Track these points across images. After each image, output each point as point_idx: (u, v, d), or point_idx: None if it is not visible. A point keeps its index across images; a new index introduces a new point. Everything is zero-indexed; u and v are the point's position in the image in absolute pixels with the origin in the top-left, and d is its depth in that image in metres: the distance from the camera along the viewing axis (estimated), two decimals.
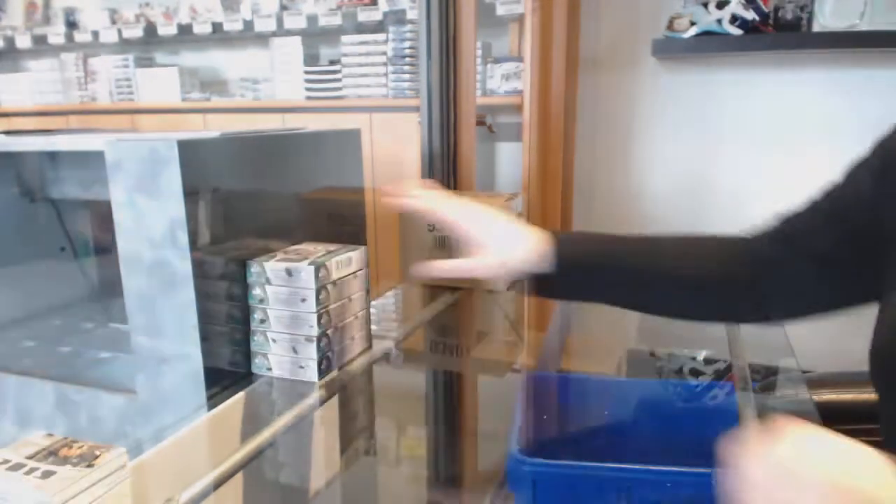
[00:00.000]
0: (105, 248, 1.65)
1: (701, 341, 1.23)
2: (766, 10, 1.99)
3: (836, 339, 2.22)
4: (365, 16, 2.61)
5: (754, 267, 0.73)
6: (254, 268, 1.00)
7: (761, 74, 2.17)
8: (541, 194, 2.16)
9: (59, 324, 1.57)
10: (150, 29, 3.05)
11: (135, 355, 1.06)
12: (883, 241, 0.63)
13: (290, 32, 2.80)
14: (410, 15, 2.51)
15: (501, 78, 2.39)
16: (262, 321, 1.01)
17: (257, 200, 1.12)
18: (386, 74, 2.56)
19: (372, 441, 0.97)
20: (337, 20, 2.68)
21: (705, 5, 2.03)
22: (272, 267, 0.99)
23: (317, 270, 0.97)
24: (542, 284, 0.76)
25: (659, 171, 2.36)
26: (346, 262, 1.05)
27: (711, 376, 1.12)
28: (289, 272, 0.98)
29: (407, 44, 2.51)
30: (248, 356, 1.04)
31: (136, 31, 3.08)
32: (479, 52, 2.34)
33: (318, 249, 1.05)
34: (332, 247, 1.07)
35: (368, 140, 2.45)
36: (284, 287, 0.98)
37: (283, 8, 2.81)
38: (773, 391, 0.99)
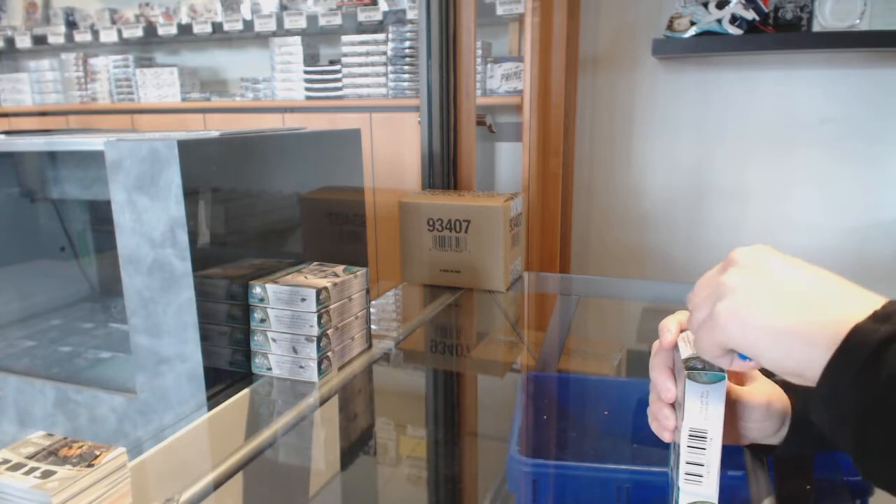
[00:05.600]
0: (105, 248, 1.65)
1: None
2: (766, 10, 1.99)
3: None
4: (365, 16, 2.61)
5: None
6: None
7: (761, 74, 2.17)
8: (541, 194, 2.16)
9: (59, 324, 1.57)
10: (150, 29, 3.06)
11: (135, 355, 1.06)
12: None
13: (290, 32, 2.80)
14: (410, 15, 2.51)
15: (501, 78, 2.40)
16: (262, 320, 1.01)
17: (257, 200, 1.12)
18: (386, 74, 2.56)
19: (372, 441, 0.97)
20: (337, 20, 2.68)
21: (705, 5, 2.03)
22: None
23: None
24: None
25: (659, 170, 2.36)
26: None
27: None
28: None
29: (407, 44, 2.51)
30: (247, 356, 1.04)
31: (136, 31, 3.08)
32: (479, 52, 2.34)
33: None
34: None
35: (368, 140, 2.45)
36: (285, 286, 0.98)
37: (283, 8, 2.82)
38: None
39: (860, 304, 0.44)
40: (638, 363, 1.19)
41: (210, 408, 0.95)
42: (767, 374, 0.65)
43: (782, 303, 0.47)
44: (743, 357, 0.52)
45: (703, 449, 0.54)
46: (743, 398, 0.61)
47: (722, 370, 0.54)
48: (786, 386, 0.64)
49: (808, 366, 0.45)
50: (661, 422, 0.59)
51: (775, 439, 0.63)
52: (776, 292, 0.47)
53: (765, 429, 0.62)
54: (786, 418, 0.62)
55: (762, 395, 0.61)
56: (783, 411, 0.62)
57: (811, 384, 0.46)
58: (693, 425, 0.54)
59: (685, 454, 0.55)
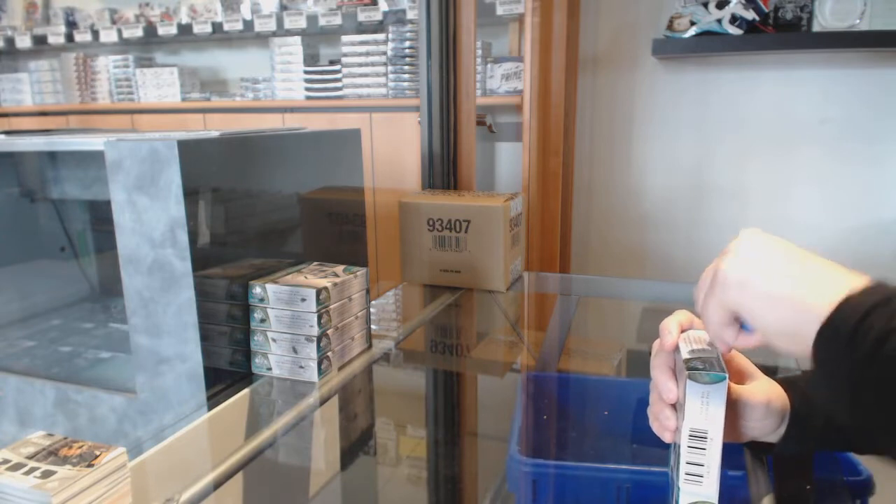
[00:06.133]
0: (105, 248, 1.65)
1: None
2: (766, 10, 1.99)
3: None
4: (365, 16, 2.61)
5: None
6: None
7: (761, 74, 2.17)
8: (541, 194, 2.16)
9: (59, 324, 1.57)
10: (150, 29, 3.06)
11: (135, 355, 1.06)
12: None
13: (290, 32, 2.80)
14: (410, 15, 2.51)
15: (501, 78, 2.40)
16: (262, 320, 1.01)
17: (257, 200, 1.12)
18: (386, 74, 2.56)
19: (372, 441, 0.97)
20: (337, 20, 2.68)
21: (705, 5, 2.03)
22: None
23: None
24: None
25: (659, 170, 2.36)
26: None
27: None
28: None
29: (407, 44, 2.51)
30: (248, 356, 1.04)
31: (136, 31, 3.08)
32: (479, 52, 2.34)
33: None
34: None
35: (368, 140, 2.45)
36: (285, 286, 0.98)
37: (283, 8, 2.82)
38: None
39: (852, 280, 0.48)
40: (638, 363, 1.19)
41: (210, 408, 0.95)
42: (768, 372, 0.65)
43: (782, 271, 0.50)
44: (746, 329, 0.53)
45: (704, 449, 0.55)
46: (743, 397, 0.61)
47: (723, 370, 0.54)
48: (785, 384, 0.64)
49: (801, 331, 0.47)
50: (662, 422, 0.59)
51: (774, 437, 0.64)
52: (777, 262, 0.51)
53: (765, 427, 0.62)
54: (785, 416, 0.62)
55: (762, 393, 0.62)
56: (783, 409, 0.62)
57: (802, 351, 0.48)
58: (694, 425, 0.54)
59: (685, 454, 0.55)
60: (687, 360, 0.55)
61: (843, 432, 0.64)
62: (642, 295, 1.63)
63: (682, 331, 0.61)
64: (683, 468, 0.55)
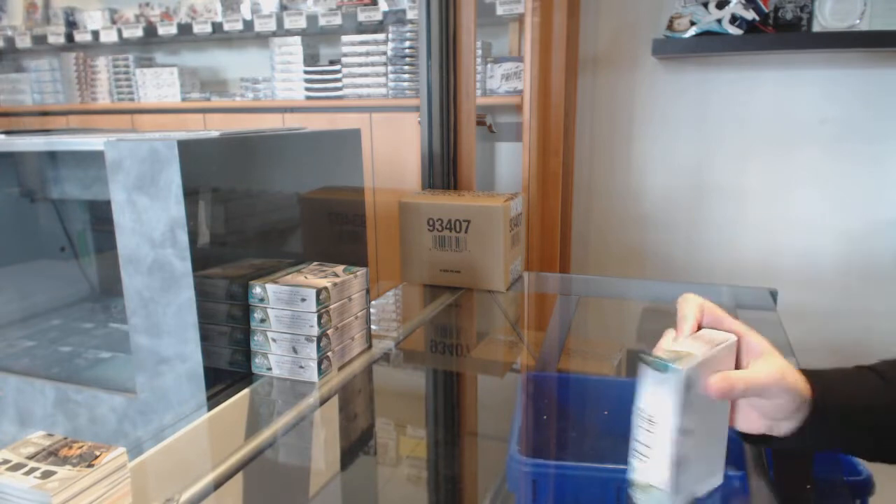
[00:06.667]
0: (105, 248, 1.65)
1: None
2: (766, 10, 1.99)
3: (835, 339, 2.22)
4: (365, 16, 2.61)
5: None
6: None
7: (761, 74, 2.17)
8: (541, 194, 2.16)
9: (59, 324, 1.57)
10: (150, 29, 3.06)
11: (135, 355, 1.06)
12: None
13: (290, 32, 2.80)
14: (410, 15, 2.51)
15: (501, 78, 2.40)
16: (262, 320, 1.01)
17: (257, 200, 1.12)
18: (386, 74, 2.56)
19: (372, 441, 0.97)
20: (337, 20, 2.68)
21: (705, 5, 2.03)
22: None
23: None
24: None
25: (659, 170, 2.36)
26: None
27: None
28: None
29: (407, 44, 2.51)
30: (248, 356, 1.04)
31: (136, 31, 3.08)
32: (479, 52, 2.34)
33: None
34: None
35: (368, 140, 2.45)
36: (285, 286, 0.98)
37: (283, 8, 2.82)
38: None
39: None
40: (638, 363, 1.19)
41: (210, 408, 0.95)
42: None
43: None
44: None
45: (650, 432, 0.57)
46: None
47: (682, 365, 0.55)
48: (807, 374, 0.60)
49: None
50: None
51: (794, 421, 0.60)
52: None
53: (780, 407, 0.58)
54: (801, 400, 0.58)
55: (768, 373, 0.58)
56: (793, 387, 0.58)
57: None
58: (640, 405, 0.57)
59: (634, 431, 0.58)
60: (662, 350, 0.58)
61: (868, 432, 0.61)
62: (642, 295, 1.63)
63: (699, 323, 0.62)
64: (633, 444, 0.58)
